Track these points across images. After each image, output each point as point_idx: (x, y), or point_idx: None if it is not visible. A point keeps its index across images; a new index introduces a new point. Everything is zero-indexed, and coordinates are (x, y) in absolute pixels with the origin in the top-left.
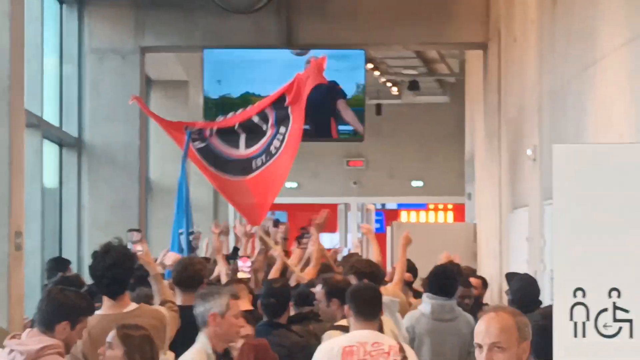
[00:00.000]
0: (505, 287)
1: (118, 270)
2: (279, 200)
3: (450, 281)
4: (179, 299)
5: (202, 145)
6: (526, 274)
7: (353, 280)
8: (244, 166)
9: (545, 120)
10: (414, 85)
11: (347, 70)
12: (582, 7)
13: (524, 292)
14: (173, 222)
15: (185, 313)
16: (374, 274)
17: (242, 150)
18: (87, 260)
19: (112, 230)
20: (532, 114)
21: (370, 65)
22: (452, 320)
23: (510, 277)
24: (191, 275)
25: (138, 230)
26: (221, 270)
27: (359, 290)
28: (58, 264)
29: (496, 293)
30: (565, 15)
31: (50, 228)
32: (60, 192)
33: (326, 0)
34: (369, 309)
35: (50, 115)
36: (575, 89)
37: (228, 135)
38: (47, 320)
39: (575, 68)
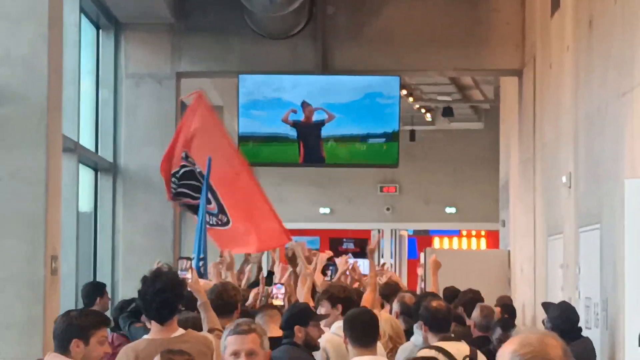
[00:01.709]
0: (540, 313)
1: (167, 295)
2: (312, 225)
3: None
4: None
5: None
6: (564, 302)
7: (326, 304)
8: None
9: (581, 147)
10: (448, 112)
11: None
12: (618, 32)
13: (564, 318)
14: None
15: None
16: (349, 299)
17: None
18: (122, 284)
19: (146, 254)
20: (568, 140)
21: (404, 92)
22: None
23: (547, 306)
24: (226, 301)
25: (188, 258)
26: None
27: (355, 316)
28: (95, 289)
29: (529, 320)
30: (602, 41)
31: (85, 252)
32: (95, 216)
33: (362, 26)
34: (365, 335)
35: (86, 139)
36: (612, 116)
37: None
38: (60, 343)
39: (612, 94)
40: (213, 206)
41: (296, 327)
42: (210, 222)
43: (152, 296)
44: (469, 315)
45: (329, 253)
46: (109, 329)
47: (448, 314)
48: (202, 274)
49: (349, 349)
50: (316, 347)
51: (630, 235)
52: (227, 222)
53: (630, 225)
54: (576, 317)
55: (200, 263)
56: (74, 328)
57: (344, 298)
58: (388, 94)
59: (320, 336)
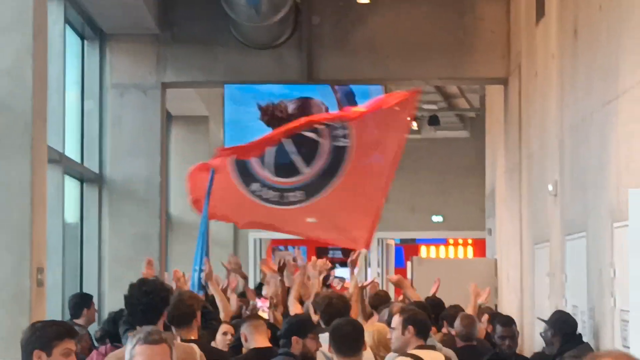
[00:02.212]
0: (527, 321)
1: (153, 297)
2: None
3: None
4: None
5: (258, 188)
6: (560, 310)
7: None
8: (318, 184)
9: (567, 155)
10: (434, 120)
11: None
12: (603, 41)
13: (563, 324)
14: (193, 259)
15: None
16: (331, 310)
17: (305, 170)
18: (109, 295)
19: (132, 265)
20: (553, 148)
21: None
22: None
23: (542, 319)
24: (183, 311)
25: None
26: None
27: (338, 327)
28: (82, 300)
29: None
30: (587, 49)
31: (71, 263)
32: (81, 227)
33: (347, 35)
34: (349, 345)
35: (71, 150)
36: (597, 124)
37: (280, 166)
38: (24, 354)
39: (597, 102)
40: (294, 181)
41: (294, 338)
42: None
43: (138, 299)
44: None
45: (327, 263)
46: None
47: (427, 321)
48: (203, 286)
49: (334, 359)
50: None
51: (635, 245)
52: (301, 201)
53: (635, 235)
54: (575, 322)
55: (202, 275)
56: (36, 339)
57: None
58: None
59: (317, 349)
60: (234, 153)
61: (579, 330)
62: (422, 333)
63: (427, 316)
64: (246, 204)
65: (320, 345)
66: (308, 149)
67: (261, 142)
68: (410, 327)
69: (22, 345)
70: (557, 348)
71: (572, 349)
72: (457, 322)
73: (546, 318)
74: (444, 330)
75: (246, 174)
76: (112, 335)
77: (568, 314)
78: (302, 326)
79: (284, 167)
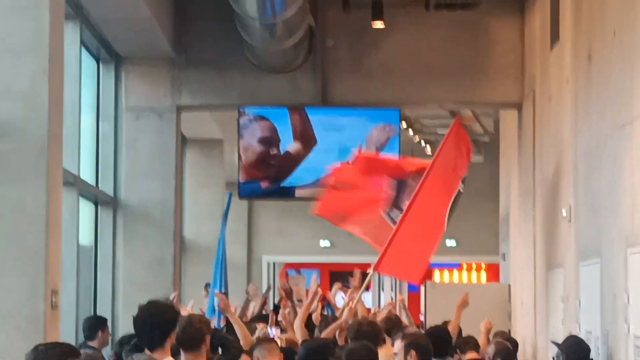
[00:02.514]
0: (541, 347)
1: (159, 319)
2: (312, 259)
3: (443, 343)
4: (182, 358)
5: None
6: (573, 335)
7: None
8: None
9: (581, 180)
10: None
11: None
12: (617, 65)
13: (577, 348)
14: (212, 283)
15: None
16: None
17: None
18: (122, 318)
19: (147, 288)
20: (567, 173)
21: (404, 124)
22: None
23: (557, 343)
24: (191, 335)
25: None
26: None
27: (354, 351)
28: (97, 322)
29: (530, 354)
30: (601, 74)
31: (85, 286)
32: (95, 250)
33: (361, 59)
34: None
35: (86, 173)
36: (611, 148)
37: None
38: None
39: (611, 127)
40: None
41: None
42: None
43: (144, 320)
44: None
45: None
46: None
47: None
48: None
49: None
50: None
51: None
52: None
53: None
54: (588, 347)
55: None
56: None
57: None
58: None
59: None
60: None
61: (593, 356)
62: (424, 357)
63: (430, 342)
64: (377, 218)
65: None
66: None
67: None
68: (413, 352)
69: None
70: None
71: None
72: (491, 348)
73: (560, 343)
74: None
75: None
76: (117, 358)
77: (581, 339)
78: (321, 350)
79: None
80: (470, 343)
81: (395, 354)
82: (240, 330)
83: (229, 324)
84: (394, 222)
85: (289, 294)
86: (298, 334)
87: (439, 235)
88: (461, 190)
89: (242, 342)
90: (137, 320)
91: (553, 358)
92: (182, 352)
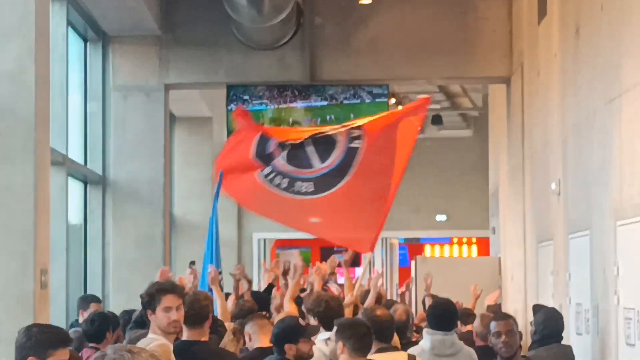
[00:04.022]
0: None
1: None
2: (302, 235)
3: (450, 315)
4: (185, 334)
5: (269, 172)
6: (552, 308)
7: (314, 322)
8: (328, 181)
9: (569, 154)
10: (437, 120)
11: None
12: (605, 40)
13: (547, 325)
14: (203, 259)
15: (192, 348)
16: (329, 312)
17: (318, 165)
18: (112, 297)
19: (137, 266)
20: (556, 147)
21: (393, 100)
22: (454, 355)
23: (537, 309)
24: (197, 311)
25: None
26: (218, 303)
27: (353, 326)
28: (91, 301)
29: (522, 327)
30: (589, 48)
31: (75, 265)
32: (85, 229)
33: (349, 36)
34: (364, 344)
35: (75, 152)
36: (600, 122)
37: (295, 154)
38: (18, 357)
39: (600, 101)
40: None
41: (286, 346)
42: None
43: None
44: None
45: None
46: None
47: (390, 324)
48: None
49: (344, 357)
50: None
51: None
52: (308, 193)
53: None
54: (561, 326)
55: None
56: (31, 345)
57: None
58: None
59: (311, 349)
60: (264, 130)
61: (583, 328)
62: (381, 337)
63: (390, 319)
64: (257, 188)
65: (313, 344)
66: (325, 146)
67: (288, 131)
68: (340, 343)
69: (16, 347)
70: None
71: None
72: (477, 322)
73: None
74: (462, 328)
75: (263, 156)
76: (90, 335)
77: (556, 316)
78: (292, 332)
79: (298, 157)
80: (472, 316)
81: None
82: (220, 306)
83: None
84: (272, 184)
85: (285, 271)
86: (286, 309)
87: (387, 204)
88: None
89: (220, 316)
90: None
91: (530, 323)
92: (185, 328)
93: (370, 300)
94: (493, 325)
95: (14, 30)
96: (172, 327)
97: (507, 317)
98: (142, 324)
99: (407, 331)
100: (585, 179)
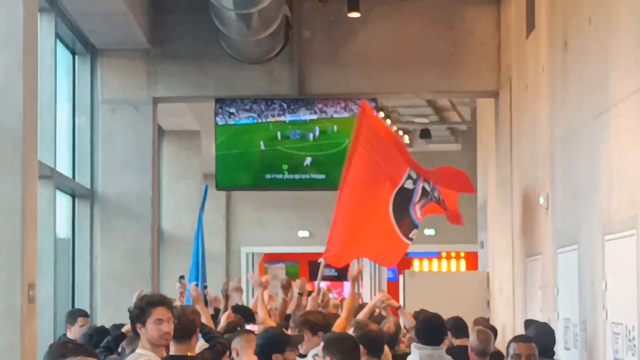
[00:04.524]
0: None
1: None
2: (291, 249)
3: (438, 329)
4: (172, 349)
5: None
6: (544, 323)
7: (307, 333)
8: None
9: (558, 168)
10: (425, 134)
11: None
12: (593, 54)
13: (539, 339)
14: (188, 274)
15: None
16: (328, 325)
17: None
18: (100, 311)
19: (125, 280)
20: (544, 161)
21: (381, 114)
22: None
23: (528, 324)
24: (184, 325)
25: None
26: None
27: (340, 340)
28: (78, 315)
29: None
30: (577, 62)
31: (63, 279)
32: (73, 243)
33: (338, 49)
34: (351, 358)
35: (63, 166)
36: (588, 137)
37: None
38: None
39: (588, 115)
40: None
41: (274, 356)
42: None
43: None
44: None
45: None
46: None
47: (382, 338)
48: (206, 302)
49: None
50: None
51: None
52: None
53: None
54: (552, 341)
55: (205, 291)
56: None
57: (323, 325)
58: None
59: (295, 359)
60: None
61: (571, 343)
62: (374, 352)
63: (381, 333)
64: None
65: (297, 352)
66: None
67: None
68: (361, 347)
69: None
70: None
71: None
72: (473, 337)
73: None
74: (450, 341)
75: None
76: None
77: (547, 331)
78: (278, 342)
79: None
80: (464, 329)
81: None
82: (205, 319)
83: (215, 316)
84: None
85: (287, 287)
86: (260, 318)
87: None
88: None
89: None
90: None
91: None
92: (172, 343)
93: (363, 314)
94: (513, 347)
95: (2, 42)
96: (163, 339)
97: (530, 340)
98: (110, 350)
99: (396, 344)
100: (573, 193)
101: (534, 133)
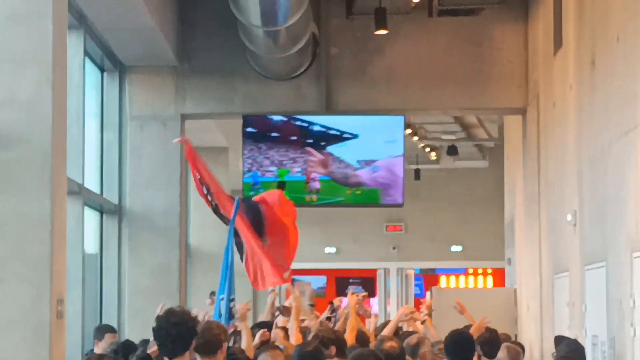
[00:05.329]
0: (547, 351)
1: (182, 328)
2: (318, 265)
3: (466, 345)
4: None
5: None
6: (575, 340)
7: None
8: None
9: (585, 185)
10: (452, 150)
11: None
12: (621, 71)
13: (570, 356)
14: (218, 290)
15: None
16: (340, 340)
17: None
18: (128, 326)
19: (152, 295)
20: (572, 178)
21: (408, 131)
22: None
23: (559, 340)
24: (208, 340)
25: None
26: (245, 339)
27: (362, 357)
28: (105, 331)
29: (537, 358)
30: (605, 79)
31: (90, 294)
32: (100, 259)
33: (365, 66)
34: None
35: (91, 182)
36: (616, 154)
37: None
38: None
39: (615, 132)
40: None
41: None
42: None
43: (166, 331)
44: (489, 355)
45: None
46: None
47: (401, 356)
48: (233, 315)
49: None
50: None
51: None
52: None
53: None
54: (583, 358)
55: (231, 304)
56: None
57: (335, 339)
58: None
59: None
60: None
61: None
62: None
63: (400, 351)
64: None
65: None
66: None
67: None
68: None
69: None
70: None
71: None
72: (503, 354)
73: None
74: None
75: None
76: None
77: (578, 349)
78: (313, 357)
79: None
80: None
81: None
82: (247, 338)
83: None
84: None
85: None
86: (292, 338)
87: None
88: None
89: (246, 352)
90: (157, 332)
91: (552, 354)
92: (198, 358)
93: (388, 329)
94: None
95: (31, 59)
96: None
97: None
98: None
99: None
100: (601, 210)
101: (561, 150)
